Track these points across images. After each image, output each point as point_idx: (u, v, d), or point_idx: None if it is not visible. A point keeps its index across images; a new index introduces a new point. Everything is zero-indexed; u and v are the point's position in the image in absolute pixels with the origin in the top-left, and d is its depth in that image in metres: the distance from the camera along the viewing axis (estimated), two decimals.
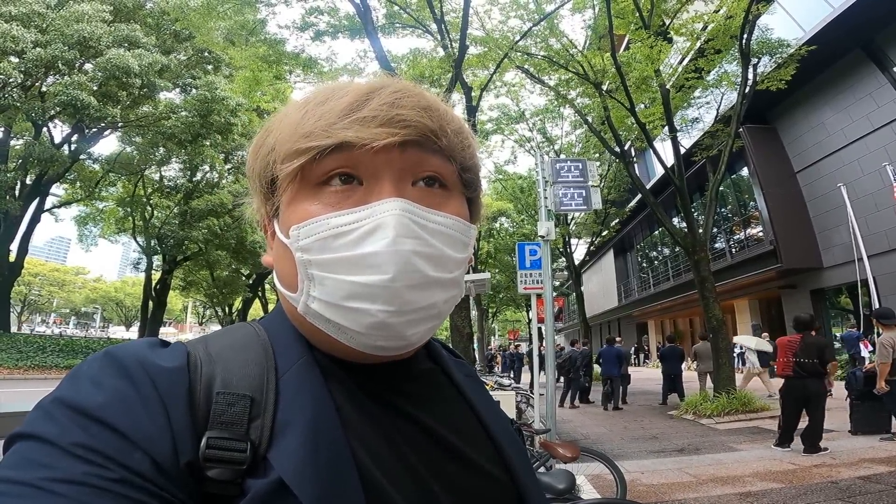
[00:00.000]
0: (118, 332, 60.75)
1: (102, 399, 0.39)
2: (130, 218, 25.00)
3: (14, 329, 27.46)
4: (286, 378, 0.47)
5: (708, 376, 11.17)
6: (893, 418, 6.53)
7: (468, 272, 0.56)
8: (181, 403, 0.41)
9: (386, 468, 0.45)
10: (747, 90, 10.93)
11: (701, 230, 11.10)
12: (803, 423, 6.11)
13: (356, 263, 0.45)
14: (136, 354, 0.43)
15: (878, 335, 8.40)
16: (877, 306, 11.06)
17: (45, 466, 0.35)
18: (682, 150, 12.09)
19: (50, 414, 0.39)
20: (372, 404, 0.50)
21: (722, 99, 13.48)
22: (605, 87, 11.64)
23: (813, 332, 6.16)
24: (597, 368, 13.97)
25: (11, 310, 25.51)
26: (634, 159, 22.29)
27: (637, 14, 10.38)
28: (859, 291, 12.12)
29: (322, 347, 0.51)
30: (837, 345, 13.76)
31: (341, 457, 0.42)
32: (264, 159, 0.51)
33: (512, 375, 16.79)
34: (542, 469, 4.11)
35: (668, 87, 11.27)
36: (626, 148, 14.80)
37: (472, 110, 10.90)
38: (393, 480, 0.44)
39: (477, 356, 18.41)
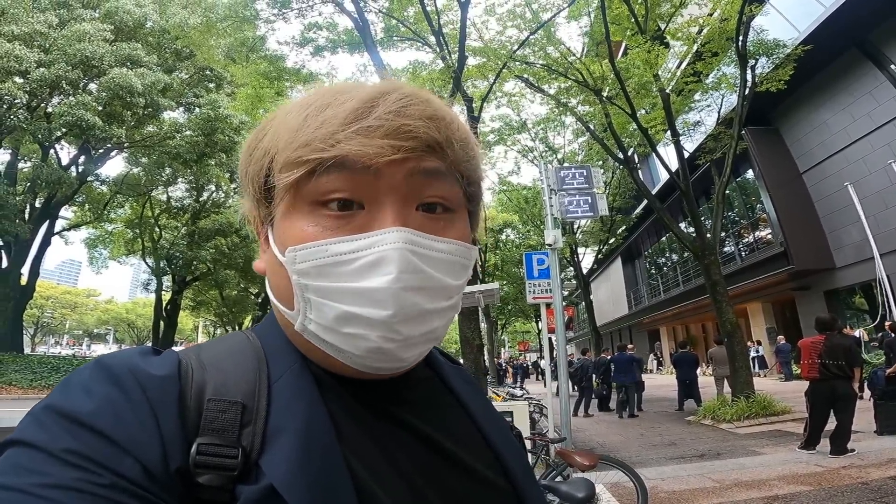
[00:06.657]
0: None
1: (93, 406, 0.39)
2: (139, 239, 25.21)
3: (28, 351, 27.57)
4: (279, 384, 0.46)
5: (725, 381, 11.01)
6: None
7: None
8: (171, 410, 0.41)
9: (380, 475, 0.44)
10: (747, 91, 10.91)
11: (709, 234, 11.00)
12: (830, 424, 5.94)
13: (356, 295, 0.44)
14: (127, 362, 0.43)
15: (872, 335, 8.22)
16: (891, 304, 10.87)
17: (35, 472, 0.35)
18: (686, 154, 12.04)
19: (40, 421, 0.38)
20: (366, 411, 0.49)
21: (722, 101, 13.47)
22: (605, 94, 11.62)
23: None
24: None
25: (24, 332, 25.67)
26: (638, 165, 22.23)
27: (632, 20, 10.39)
28: (875, 291, 11.89)
29: (318, 362, 0.49)
30: None
31: (334, 464, 0.42)
32: (259, 162, 0.49)
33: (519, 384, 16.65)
34: (559, 478, 4.01)
35: (667, 91, 11.24)
36: (629, 154, 14.76)
37: (473, 121, 10.93)
38: (387, 488, 0.44)
39: (488, 367, 18.31)
